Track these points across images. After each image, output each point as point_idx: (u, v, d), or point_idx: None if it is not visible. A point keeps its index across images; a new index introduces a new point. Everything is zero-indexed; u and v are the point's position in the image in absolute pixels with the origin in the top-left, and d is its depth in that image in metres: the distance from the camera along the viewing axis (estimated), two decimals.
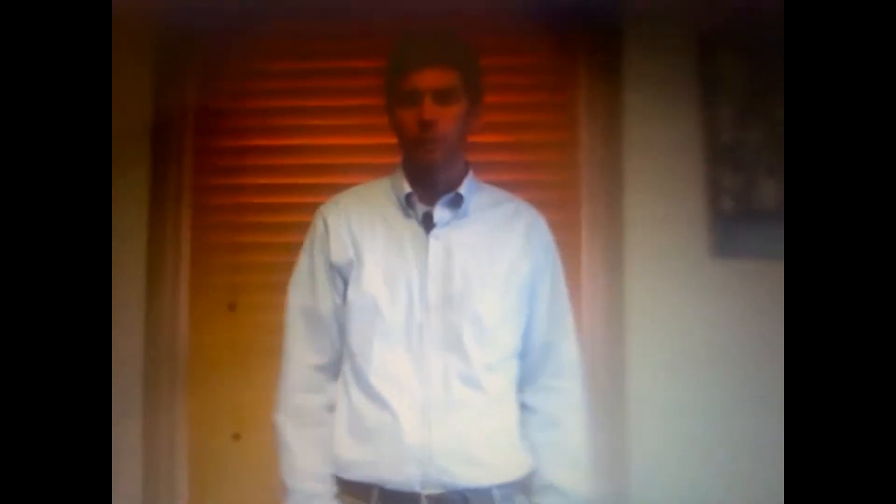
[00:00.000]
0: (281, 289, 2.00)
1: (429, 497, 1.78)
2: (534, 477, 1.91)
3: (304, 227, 2.01)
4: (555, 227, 2.03)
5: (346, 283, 1.89)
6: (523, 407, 1.94)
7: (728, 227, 2.50)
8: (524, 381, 1.94)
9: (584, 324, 2.44)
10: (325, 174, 2.62)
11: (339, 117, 2.69)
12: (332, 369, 1.92)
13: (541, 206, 2.04)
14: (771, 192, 2.45)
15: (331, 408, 1.90)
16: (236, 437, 2.66)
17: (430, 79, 1.80)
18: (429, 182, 1.89)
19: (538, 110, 2.68)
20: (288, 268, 1.99)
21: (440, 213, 1.88)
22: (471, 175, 1.94)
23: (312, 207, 2.01)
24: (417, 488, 1.78)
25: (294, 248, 2.00)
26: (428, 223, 1.88)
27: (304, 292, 1.93)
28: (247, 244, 2.72)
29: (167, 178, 2.71)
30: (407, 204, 1.89)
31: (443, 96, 1.81)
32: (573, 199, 2.60)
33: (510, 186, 2.06)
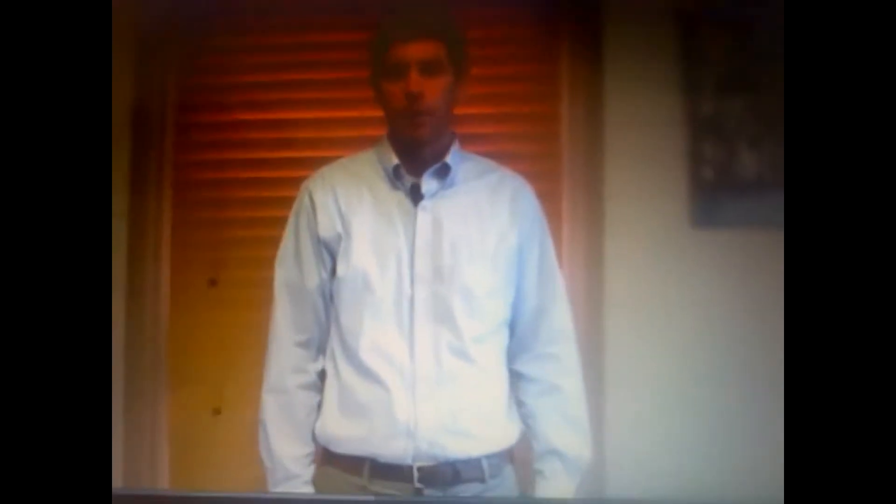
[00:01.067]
0: (263, 264, 1.99)
1: (420, 469, 1.79)
2: (534, 443, 1.93)
3: (285, 202, 1.99)
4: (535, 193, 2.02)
5: (333, 258, 1.88)
6: (519, 376, 1.94)
7: (709, 198, 2.51)
8: (518, 350, 1.94)
9: None
10: (308, 148, 2.60)
11: (322, 90, 2.66)
12: (318, 346, 1.92)
13: (523, 176, 2.03)
14: (752, 163, 2.47)
15: (315, 386, 1.90)
16: (217, 412, 2.65)
17: (415, 51, 1.79)
18: (415, 154, 1.88)
19: (519, 82, 2.67)
20: (270, 243, 1.98)
21: (427, 183, 1.88)
22: (457, 145, 1.93)
23: (295, 182, 2.00)
24: (409, 461, 1.79)
25: (275, 223, 1.99)
26: (416, 195, 1.87)
27: (290, 268, 1.92)
28: (228, 219, 2.69)
29: (148, 155, 2.68)
30: (394, 175, 1.88)
31: (429, 68, 1.80)
32: (554, 170, 2.59)
33: (493, 157, 2.05)
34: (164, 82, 2.70)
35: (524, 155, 2.56)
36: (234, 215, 2.69)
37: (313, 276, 1.90)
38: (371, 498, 1.81)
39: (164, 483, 2.66)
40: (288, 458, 1.87)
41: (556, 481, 1.90)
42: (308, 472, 1.88)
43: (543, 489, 1.89)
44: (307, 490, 1.87)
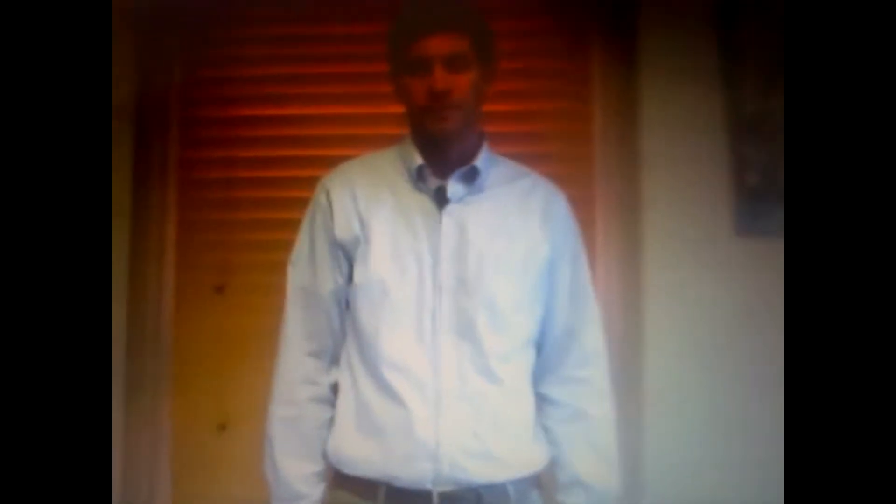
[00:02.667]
0: (273, 269, 1.93)
1: (441, 495, 1.69)
2: (558, 472, 1.84)
3: (298, 203, 1.91)
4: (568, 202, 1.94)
5: (350, 262, 1.80)
6: (545, 399, 1.85)
7: (754, 204, 2.41)
8: (545, 372, 1.85)
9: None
10: (321, 146, 2.53)
11: (336, 85, 2.61)
12: (331, 357, 1.83)
13: (552, 180, 1.94)
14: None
15: (327, 400, 1.81)
16: (222, 427, 2.58)
17: (440, 45, 1.70)
18: (441, 154, 1.78)
19: (548, 77, 2.59)
20: (281, 246, 1.91)
21: (454, 187, 1.78)
22: (486, 147, 1.84)
23: (308, 181, 1.91)
24: (429, 486, 1.69)
25: (286, 225, 1.92)
26: (441, 198, 1.78)
27: (304, 271, 1.84)
28: (236, 221, 2.63)
29: (151, 151, 2.62)
30: (418, 177, 1.79)
31: (454, 63, 1.71)
32: (586, 174, 2.52)
33: (519, 158, 1.96)
34: (168, 74, 2.65)
35: (553, 156, 2.50)
36: (243, 217, 2.64)
37: (328, 281, 1.81)
38: None
39: (166, 502, 2.59)
40: (295, 476, 1.79)
41: None
42: (316, 492, 1.80)
43: None
44: None
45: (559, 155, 2.52)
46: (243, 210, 2.62)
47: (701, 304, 2.43)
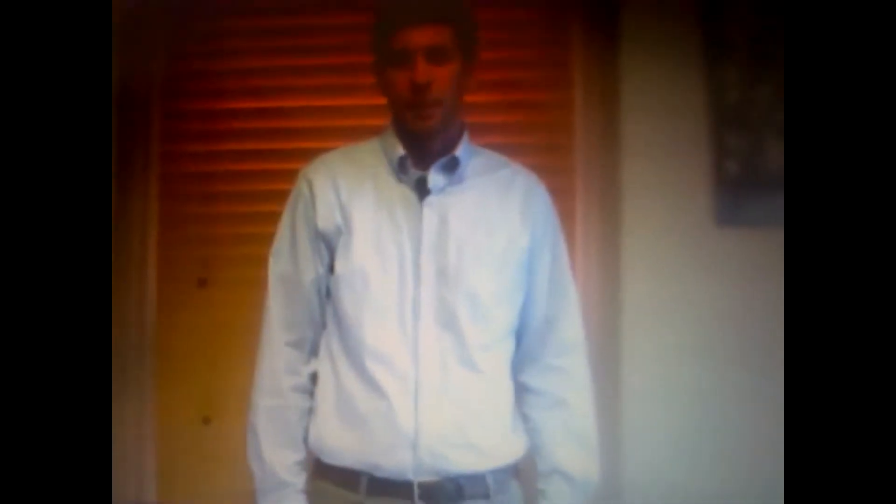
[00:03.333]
0: (255, 262, 1.91)
1: (421, 485, 1.69)
2: (538, 460, 1.84)
3: (280, 195, 1.90)
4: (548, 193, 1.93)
5: (331, 253, 1.79)
6: (525, 388, 1.85)
7: (734, 194, 2.41)
8: (525, 361, 1.85)
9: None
10: (303, 138, 2.53)
11: (317, 77, 2.61)
12: (311, 347, 1.83)
13: (533, 170, 1.93)
14: (781, 155, 2.36)
15: (307, 389, 1.81)
16: (206, 420, 2.59)
17: (422, 36, 1.69)
18: (423, 145, 1.78)
19: (530, 68, 2.60)
20: (262, 239, 1.89)
21: (435, 178, 1.77)
22: (466, 137, 1.83)
23: (289, 174, 1.90)
24: (410, 476, 1.69)
25: (268, 218, 1.91)
26: (422, 189, 1.77)
27: (285, 261, 1.83)
28: (218, 214, 2.63)
29: (133, 145, 2.61)
30: (400, 167, 1.78)
31: (436, 55, 1.70)
32: (567, 164, 2.52)
33: (500, 149, 1.95)
34: (149, 67, 2.64)
35: (534, 146, 2.50)
36: (225, 210, 2.64)
37: (309, 271, 1.81)
38: None
39: (150, 496, 2.59)
40: (279, 465, 1.78)
41: (559, 503, 1.82)
42: (300, 480, 1.79)
43: None
44: (299, 499, 1.78)
45: (540, 145, 2.53)
46: (225, 203, 2.62)
47: (681, 294, 2.43)
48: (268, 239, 1.87)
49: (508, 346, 1.83)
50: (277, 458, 1.78)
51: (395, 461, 1.68)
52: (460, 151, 1.79)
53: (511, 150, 1.97)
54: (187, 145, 2.65)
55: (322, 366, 1.80)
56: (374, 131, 1.89)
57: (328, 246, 1.79)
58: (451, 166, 1.78)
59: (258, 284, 1.87)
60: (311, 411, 1.80)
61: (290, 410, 1.79)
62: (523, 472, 1.85)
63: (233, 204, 2.61)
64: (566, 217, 2.08)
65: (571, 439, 1.83)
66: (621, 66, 2.50)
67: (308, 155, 1.91)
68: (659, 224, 2.45)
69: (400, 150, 1.77)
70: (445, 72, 1.71)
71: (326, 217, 1.78)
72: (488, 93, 2.46)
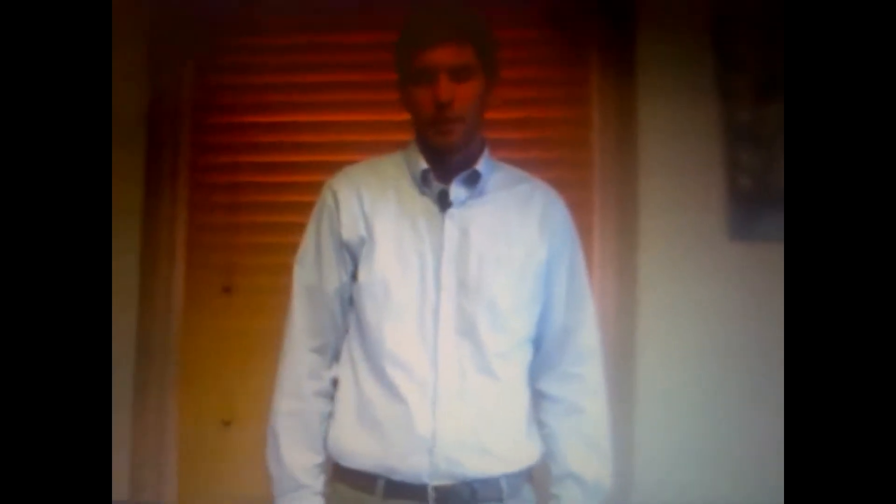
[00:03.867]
0: (278, 270, 1.96)
1: (436, 489, 1.71)
2: (552, 465, 1.86)
3: (303, 207, 1.93)
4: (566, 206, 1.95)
5: (355, 262, 1.82)
6: (541, 395, 1.88)
7: (748, 208, 2.43)
8: (542, 369, 1.88)
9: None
10: (325, 152, 2.56)
11: (340, 93, 2.64)
12: (333, 353, 1.86)
13: (551, 184, 1.96)
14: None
15: (329, 394, 1.84)
16: (226, 423, 2.61)
17: (445, 55, 1.72)
18: (445, 159, 1.81)
19: (548, 85, 2.62)
20: (286, 249, 1.93)
21: (456, 191, 1.80)
22: (487, 152, 1.87)
23: (312, 186, 1.93)
24: (426, 479, 1.71)
25: (292, 229, 1.94)
26: (443, 201, 1.80)
27: (309, 270, 1.86)
28: (244, 224, 2.67)
29: (163, 156, 2.66)
30: (422, 181, 1.81)
31: (459, 73, 1.73)
32: (585, 179, 2.55)
33: (520, 164, 1.98)
34: (180, 80, 2.68)
35: (552, 162, 2.53)
36: (250, 220, 2.67)
37: (333, 280, 1.83)
38: None
39: (171, 497, 2.62)
40: (298, 467, 1.80)
41: None
42: (318, 483, 1.82)
43: None
44: (316, 502, 1.80)
45: (559, 161, 2.55)
46: (250, 213, 2.65)
47: (695, 306, 2.45)
48: (290, 248, 1.90)
49: (526, 354, 1.85)
50: (296, 461, 1.80)
51: (411, 465, 1.70)
52: (481, 166, 1.81)
53: (531, 166, 2.00)
54: (215, 157, 2.69)
55: (343, 371, 1.82)
56: (394, 146, 1.92)
57: (352, 255, 1.81)
58: (473, 180, 1.81)
59: (280, 292, 1.90)
60: (331, 415, 1.82)
61: (310, 414, 1.81)
62: (536, 477, 1.86)
63: (258, 214, 2.65)
64: (584, 230, 2.10)
65: (585, 445, 1.85)
66: (637, 85, 2.53)
67: (329, 168, 1.94)
68: (674, 237, 2.47)
69: (423, 164, 1.80)
70: (467, 89, 1.74)
71: (350, 227, 1.81)
72: (509, 110, 2.49)
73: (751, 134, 2.44)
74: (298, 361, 1.84)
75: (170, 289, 2.63)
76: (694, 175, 2.48)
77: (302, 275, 1.87)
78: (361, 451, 1.76)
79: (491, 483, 1.75)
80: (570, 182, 2.43)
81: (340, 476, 1.80)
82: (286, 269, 1.89)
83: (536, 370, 1.87)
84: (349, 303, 1.84)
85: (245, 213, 2.66)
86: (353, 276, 1.82)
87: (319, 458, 1.82)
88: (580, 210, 2.19)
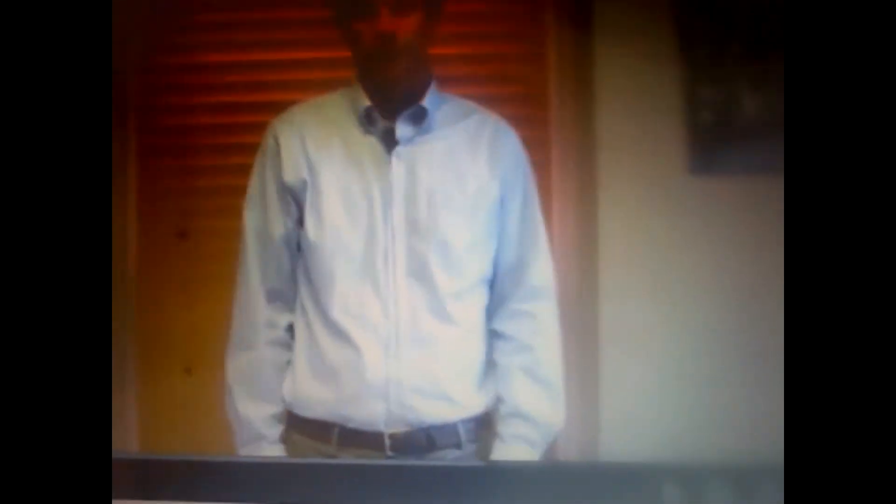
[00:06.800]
0: (233, 213, 1.92)
1: (392, 436, 1.72)
2: (500, 404, 1.84)
3: (255, 148, 1.90)
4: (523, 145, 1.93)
5: (300, 207, 1.79)
6: (495, 335, 1.86)
7: (709, 144, 2.39)
8: (494, 307, 1.85)
9: (554, 249, 2.28)
10: (280, 91, 2.45)
11: (292, 31, 2.55)
12: (287, 300, 1.84)
13: (508, 121, 1.93)
14: (753, 106, 2.35)
15: (284, 343, 1.83)
16: (188, 371, 2.58)
17: None
18: (389, 95, 1.78)
19: (500, 19, 2.54)
20: (241, 191, 1.90)
21: (402, 128, 1.77)
22: (434, 86, 1.83)
23: (265, 127, 1.90)
24: (381, 427, 1.71)
25: (245, 170, 1.91)
26: (389, 140, 1.77)
27: (256, 214, 1.84)
28: (197, 167, 2.60)
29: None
30: (366, 119, 1.78)
31: (400, 5, 1.70)
32: (541, 116, 2.49)
33: (474, 100, 1.95)
34: (126, 21, 2.55)
35: (508, 98, 2.44)
36: (202, 163, 2.60)
37: (278, 225, 1.81)
38: (347, 461, 1.73)
39: (132, 446, 2.60)
40: (255, 417, 1.82)
41: (516, 447, 1.81)
42: (275, 432, 1.83)
43: (501, 454, 1.80)
44: (275, 450, 1.82)
45: (514, 96, 2.48)
46: (203, 156, 2.59)
47: (656, 241, 2.41)
48: (244, 191, 1.89)
49: (481, 295, 1.83)
50: (253, 411, 1.80)
51: (365, 412, 1.71)
52: (427, 101, 1.78)
53: (485, 101, 1.96)
54: (164, 98, 2.63)
55: (297, 319, 1.81)
56: (344, 83, 1.88)
57: (296, 199, 1.79)
58: (419, 116, 1.77)
59: (237, 235, 1.88)
60: (287, 364, 1.82)
61: (265, 364, 1.81)
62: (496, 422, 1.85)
63: (210, 157, 2.59)
64: (542, 167, 2.08)
65: (533, 383, 1.82)
66: (594, 21, 2.46)
67: (282, 107, 1.91)
68: (634, 173, 2.43)
69: (365, 101, 1.76)
70: (410, 22, 1.71)
71: (293, 171, 1.78)
72: (459, 45, 2.40)
73: (711, 69, 2.40)
74: (252, 310, 1.83)
75: (123, 237, 2.59)
76: (653, 110, 2.43)
77: (250, 219, 1.85)
78: (315, 399, 1.75)
79: (448, 429, 1.75)
80: (527, 118, 2.37)
81: (295, 425, 1.80)
82: (241, 212, 1.88)
83: (490, 310, 1.85)
84: (297, 249, 1.81)
85: (197, 155, 2.61)
86: (299, 222, 1.79)
87: (277, 409, 1.82)
88: (537, 147, 2.15)
